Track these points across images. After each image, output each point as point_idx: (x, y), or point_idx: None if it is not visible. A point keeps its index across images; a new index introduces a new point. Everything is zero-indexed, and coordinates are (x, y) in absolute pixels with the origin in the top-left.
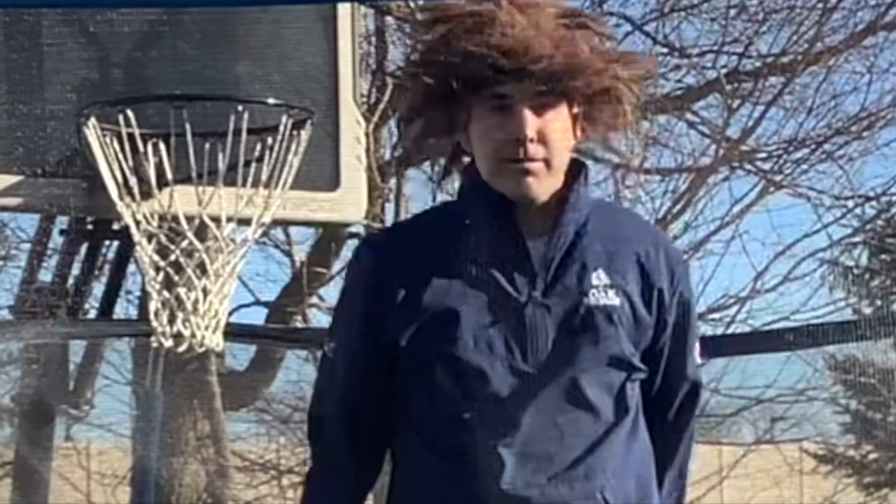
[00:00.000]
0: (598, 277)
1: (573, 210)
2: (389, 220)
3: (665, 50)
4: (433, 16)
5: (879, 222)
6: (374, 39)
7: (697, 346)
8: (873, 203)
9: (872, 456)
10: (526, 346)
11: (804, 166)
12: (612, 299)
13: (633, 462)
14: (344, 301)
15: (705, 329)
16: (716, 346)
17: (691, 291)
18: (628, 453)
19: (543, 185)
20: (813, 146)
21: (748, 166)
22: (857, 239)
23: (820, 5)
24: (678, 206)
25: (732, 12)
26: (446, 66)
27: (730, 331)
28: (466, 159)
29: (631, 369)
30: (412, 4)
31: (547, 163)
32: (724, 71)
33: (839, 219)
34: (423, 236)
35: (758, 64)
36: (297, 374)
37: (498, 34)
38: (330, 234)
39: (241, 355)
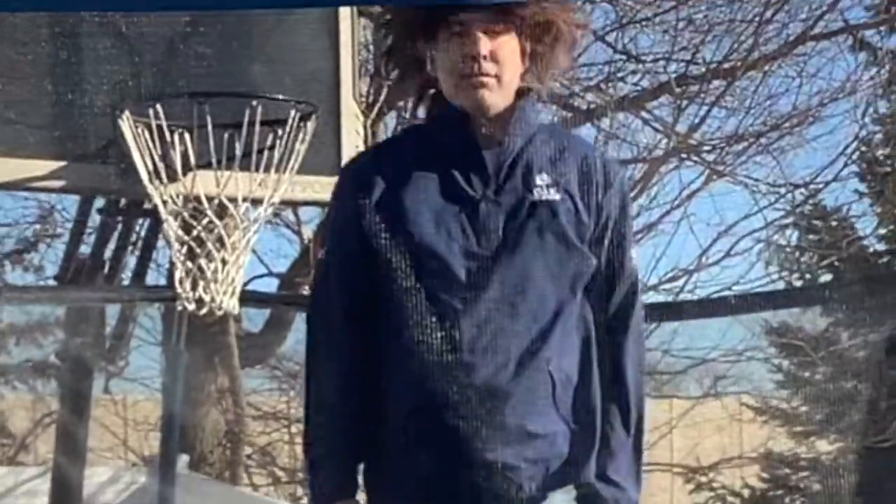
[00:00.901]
0: (542, 178)
1: (520, 122)
2: None
3: (623, 57)
4: None
5: (808, 207)
6: (371, 48)
7: (635, 246)
8: (802, 190)
9: (802, 409)
10: (480, 234)
11: (743, 158)
12: (554, 195)
13: (573, 347)
14: (332, 213)
15: (657, 298)
16: (668, 312)
17: (626, 195)
18: (570, 339)
19: (496, 97)
20: (750, 140)
21: (694, 158)
22: (787, 221)
23: (757, 19)
24: (634, 192)
25: (681, 24)
26: (416, 7)
27: (679, 299)
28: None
29: (578, 248)
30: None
31: (498, 78)
32: (673, 75)
33: (773, 203)
34: (396, 151)
35: (703, 69)
36: (305, 335)
37: None
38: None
39: (257, 319)
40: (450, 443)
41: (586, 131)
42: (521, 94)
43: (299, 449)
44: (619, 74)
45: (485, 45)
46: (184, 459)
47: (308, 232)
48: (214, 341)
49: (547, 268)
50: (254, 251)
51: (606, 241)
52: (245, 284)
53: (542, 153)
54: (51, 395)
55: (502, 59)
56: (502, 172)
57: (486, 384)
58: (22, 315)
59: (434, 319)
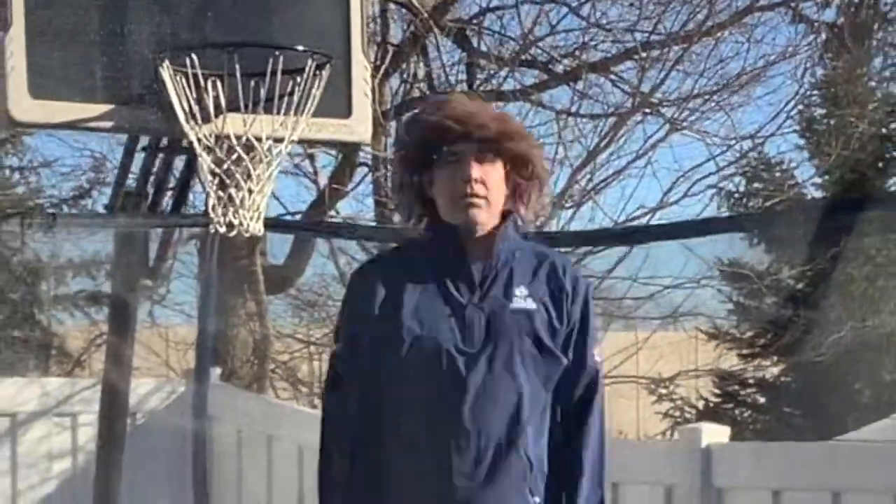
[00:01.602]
0: (521, 290)
1: (504, 241)
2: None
3: (595, 28)
4: (421, 116)
5: (753, 156)
6: (378, 20)
7: (597, 346)
8: (749, 142)
9: (748, 334)
10: (465, 334)
11: (698, 114)
12: (531, 305)
13: (543, 435)
14: (344, 311)
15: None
16: (636, 238)
17: (590, 303)
18: (542, 429)
19: (484, 216)
20: (705, 98)
21: (656, 114)
22: (734, 169)
23: None
24: (605, 142)
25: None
26: (419, 138)
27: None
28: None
29: (551, 349)
30: None
31: (486, 200)
32: (638, 42)
33: (723, 153)
34: (396, 261)
35: (663, 36)
36: (321, 268)
37: (451, 109)
38: (345, 162)
39: (279, 254)
40: None
41: (564, 92)
42: (504, 216)
43: (316, 365)
44: (592, 42)
45: (476, 170)
46: (216, 372)
47: (323, 178)
48: (243, 272)
49: (522, 366)
50: (276, 196)
51: (573, 342)
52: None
53: (521, 267)
54: (102, 321)
55: (490, 184)
56: (486, 283)
57: (471, 468)
58: (77, 251)
59: (426, 408)
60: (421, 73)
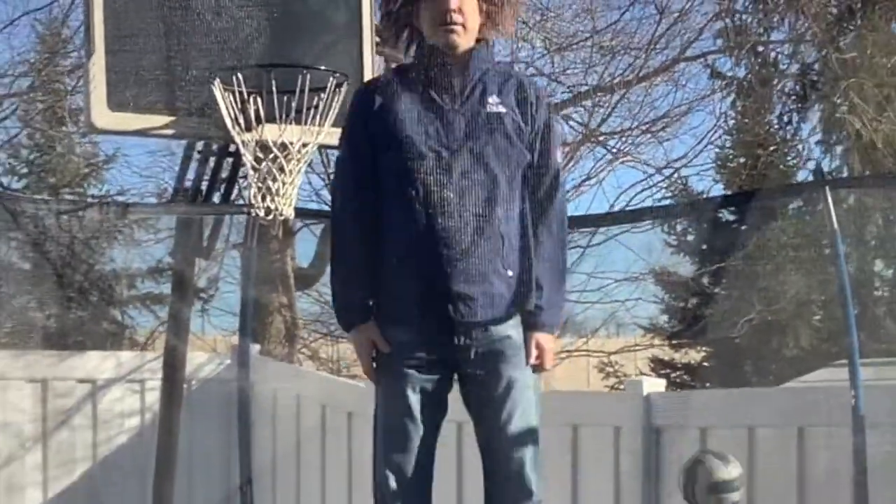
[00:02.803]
0: (493, 98)
1: (478, 60)
2: None
3: (553, 81)
4: None
5: (679, 178)
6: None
7: (559, 149)
8: (675, 166)
9: (677, 328)
10: (448, 133)
11: (637, 143)
12: (500, 109)
13: (515, 216)
14: (347, 122)
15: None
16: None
17: (550, 111)
18: (512, 210)
19: (462, 39)
20: (641, 132)
21: (602, 145)
22: (664, 186)
23: (645, 47)
24: (564, 164)
25: (594, 52)
26: None
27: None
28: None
29: (518, 146)
30: None
31: (464, 26)
32: (587, 88)
33: (652, 176)
34: (393, 79)
35: (608, 82)
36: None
37: None
38: None
39: (305, 259)
40: (428, 280)
41: None
42: (479, 40)
43: (333, 348)
44: (549, 89)
45: (454, 2)
46: (255, 348)
47: None
48: (278, 272)
49: (496, 157)
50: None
51: (538, 143)
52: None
53: (493, 81)
54: (164, 318)
55: (466, 13)
56: (465, 92)
57: (454, 239)
58: (143, 262)
59: (417, 192)
60: None
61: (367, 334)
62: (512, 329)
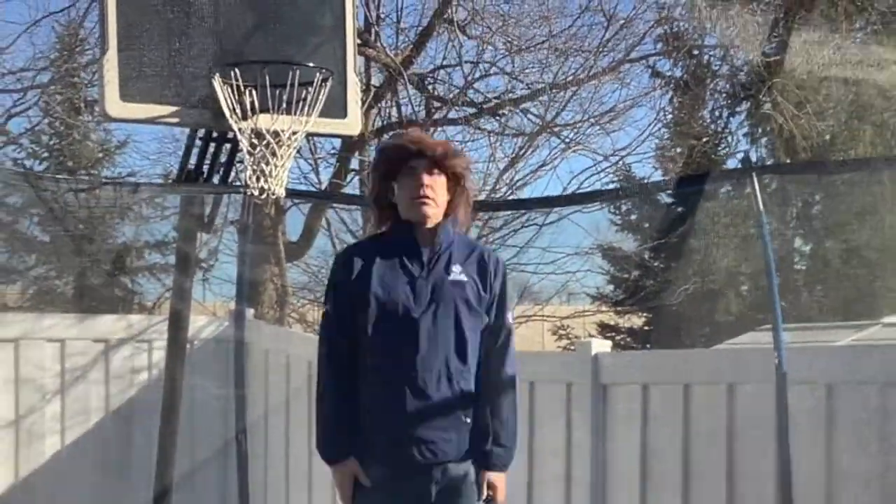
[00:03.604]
0: (457, 268)
1: (444, 233)
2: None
3: (513, 79)
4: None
5: (623, 165)
6: (363, 71)
7: (511, 311)
8: (620, 154)
9: (621, 296)
10: (417, 298)
11: (587, 134)
12: (464, 278)
13: (472, 371)
14: (331, 281)
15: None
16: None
17: (506, 279)
18: (471, 365)
19: (432, 212)
20: (591, 124)
21: (556, 135)
22: (610, 172)
23: (594, 49)
24: (522, 152)
25: (551, 55)
26: (388, 158)
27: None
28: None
29: (477, 311)
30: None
31: (434, 201)
32: (543, 85)
33: (600, 163)
34: (369, 247)
35: (563, 80)
36: (321, 249)
37: (409, 137)
38: (341, 167)
39: (294, 234)
40: (396, 427)
41: (490, 123)
42: (446, 215)
43: (319, 312)
44: (511, 87)
45: (427, 179)
46: (250, 312)
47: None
48: (270, 246)
49: (457, 320)
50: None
51: (494, 307)
52: (289, 193)
53: (458, 252)
54: (168, 285)
55: (436, 190)
56: (432, 262)
57: (419, 392)
58: (151, 236)
59: (388, 347)
60: (393, 108)
61: (349, 469)
62: (468, 467)
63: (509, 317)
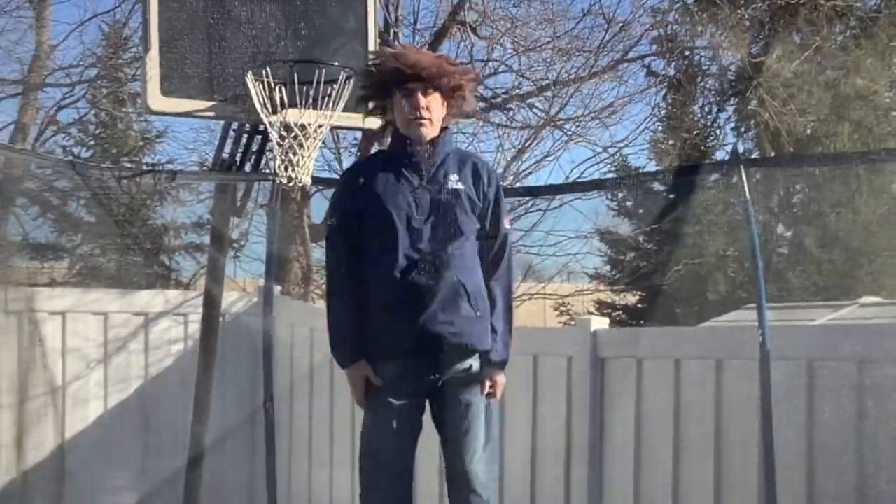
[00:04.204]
0: (453, 177)
1: (440, 146)
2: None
3: (520, 75)
4: (379, 59)
5: (621, 156)
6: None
7: (507, 217)
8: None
9: (617, 276)
10: (418, 206)
11: (588, 128)
12: (459, 185)
13: (476, 270)
14: (337, 196)
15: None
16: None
17: (500, 188)
18: (474, 265)
19: (429, 131)
20: (591, 118)
21: (559, 128)
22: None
23: (594, 49)
24: (528, 144)
25: (555, 55)
26: (383, 77)
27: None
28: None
29: (473, 217)
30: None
31: (430, 120)
32: (548, 82)
33: (599, 154)
34: (372, 163)
35: (565, 77)
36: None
37: (405, 58)
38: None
39: (318, 216)
40: (403, 326)
41: (499, 116)
42: (443, 129)
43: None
44: (516, 83)
45: (422, 101)
46: (277, 289)
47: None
48: (296, 227)
49: (457, 229)
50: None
51: (489, 215)
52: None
53: (453, 164)
54: (203, 263)
55: (432, 109)
56: (430, 173)
57: (425, 289)
58: (187, 217)
59: (394, 254)
60: None
61: (361, 371)
62: (472, 363)
63: (506, 223)
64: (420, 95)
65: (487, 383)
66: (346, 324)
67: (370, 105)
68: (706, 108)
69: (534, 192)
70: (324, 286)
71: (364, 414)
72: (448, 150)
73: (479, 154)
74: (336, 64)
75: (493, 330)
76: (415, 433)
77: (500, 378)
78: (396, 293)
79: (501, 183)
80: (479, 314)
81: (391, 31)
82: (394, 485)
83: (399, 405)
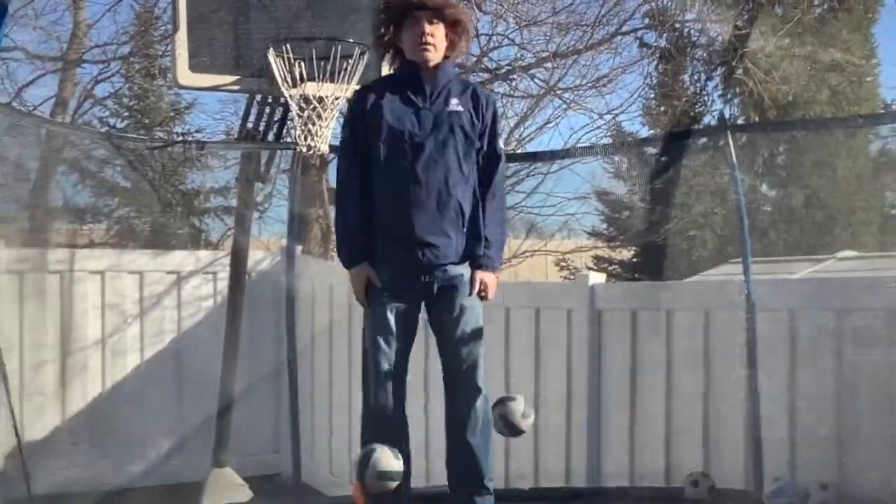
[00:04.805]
0: (454, 100)
1: (443, 71)
2: None
3: (522, 48)
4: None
5: (616, 122)
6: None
7: (502, 139)
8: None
9: (613, 233)
10: (421, 125)
11: (585, 96)
12: (459, 108)
13: (469, 186)
14: (347, 115)
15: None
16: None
17: (497, 111)
18: (468, 182)
19: (433, 56)
20: (588, 87)
21: (559, 97)
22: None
23: (591, 22)
24: (530, 112)
25: (554, 29)
26: (393, 8)
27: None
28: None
29: (471, 137)
30: None
31: (434, 46)
32: (548, 54)
33: (596, 120)
34: (382, 84)
35: (565, 49)
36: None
37: None
38: None
39: (335, 179)
40: (404, 233)
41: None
42: (445, 57)
43: None
44: (518, 55)
45: (427, 28)
46: (298, 248)
47: None
48: (315, 190)
49: (455, 145)
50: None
51: (486, 134)
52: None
53: (454, 88)
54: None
55: (437, 37)
56: (433, 95)
57: (424, 202)
58: (215, 182)
59: (397, 167)
60: None
61: (363, 272)
62: (464, 269)
63: (500, 143)
64: (426, 23)
65: (478, 284)
66: (349, 228)
67: (384, 38)
68: (695, 77)
69: (536, 157)
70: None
71: (364, 311)
72: (450, 76)
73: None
74: (351, 40)
75: (486, 239)
76: (409, 330)
77: (490, 278)
78: (396, 203)
79: (499, 107)
80: (470, 226)
81: None
82: (390, 375)
83: (395, 305)
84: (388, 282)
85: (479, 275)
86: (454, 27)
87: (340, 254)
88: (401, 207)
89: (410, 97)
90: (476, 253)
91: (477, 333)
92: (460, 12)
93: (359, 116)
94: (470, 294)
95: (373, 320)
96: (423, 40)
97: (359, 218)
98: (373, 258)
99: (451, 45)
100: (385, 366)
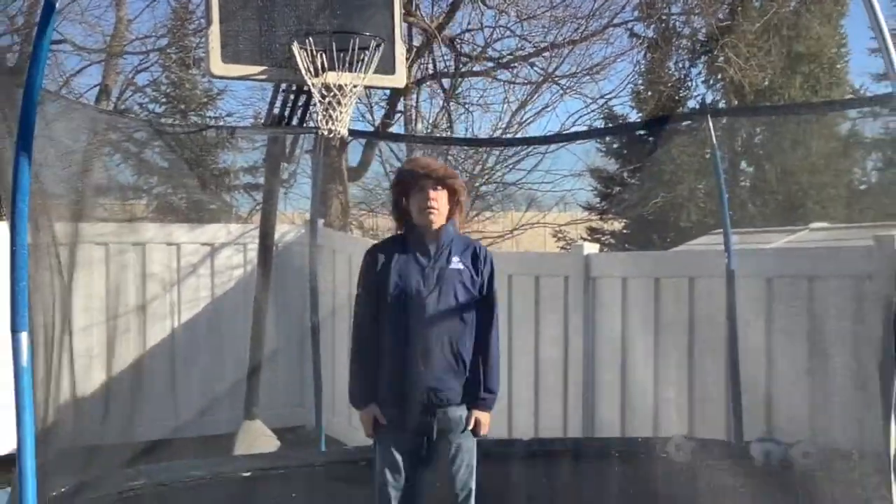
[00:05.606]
0: (456, 259)
1: (446, 233)
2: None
3: (523, 39)
4: (403, 166)
5: (608, 106)
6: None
7: (496, 290)
8: (606, 98)
9: (605, 207)
10: (426, 283)
11: (580, 83)
12: (461, 266)
13: (469, 336)
14: (362, 271)
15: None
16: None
17: (492, 266)
18: (468, 332)
19: (437, 220)
20: (583, 74)
21: (556, 84)
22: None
23: (586, 15)
24: (529, 97)
25: (552, 21)
26: (403, 179)
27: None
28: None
29: (472, 293)
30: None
31: (438, 210)
32: (546, 44)
33: (590, 105)
34: (389, 245)
35: (561, 40)
36: (375, 172)
37: (420, 163)
38: (389, 110)
39: (353, 160)
40: (409, 379)
41: (505, 74)
42: (447, 220)
43: (374, 220)
44: (519, 46)
45: (432, 194)
46: (321, 221)
47: (378, 115)
48: (336, 169)
49: (457, 300)
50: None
51: (484, 286)
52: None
53: (456, 247)
54: (259, 201)
55: (440, 203)
56: (437, 255)
57: (427, 353)
58: (245, 162)
59: (404, 319)
60: (430, 64)
61: (370, 411)
62: (462, 410)
63: (495, 294)
64: (431, 190)
65: (474, 422)
66: (361, 374)
67: (396, 207)
68: (680, 65)
69: (535, 140)
70: (359, 218)
71: (375, 448)
72: (451, 235)
73: (478, 241)
74: (367, 33)
75: (484, 384)
76: (415, 462)
77: (485, 419)
78: (402, 353)
79: (494, 264)
80: (469, 373)
81: (412, 3)
82: (402, 495)
83: (399, 439)
84: (394, 420)
85: (477, 414)
86: (454, 194)
87: (352, 392)
88: (406, 354)
89: (417, 257)
90: (476, 396)
91: (470, 469)
92: (458, 183)
93: (373, 274)
94: (464, 430)
95: (381, 454)
96: (429, 205)
97: (367, 363)
98: (380, 398)
99: (452, 210)
100: (392, 493)
